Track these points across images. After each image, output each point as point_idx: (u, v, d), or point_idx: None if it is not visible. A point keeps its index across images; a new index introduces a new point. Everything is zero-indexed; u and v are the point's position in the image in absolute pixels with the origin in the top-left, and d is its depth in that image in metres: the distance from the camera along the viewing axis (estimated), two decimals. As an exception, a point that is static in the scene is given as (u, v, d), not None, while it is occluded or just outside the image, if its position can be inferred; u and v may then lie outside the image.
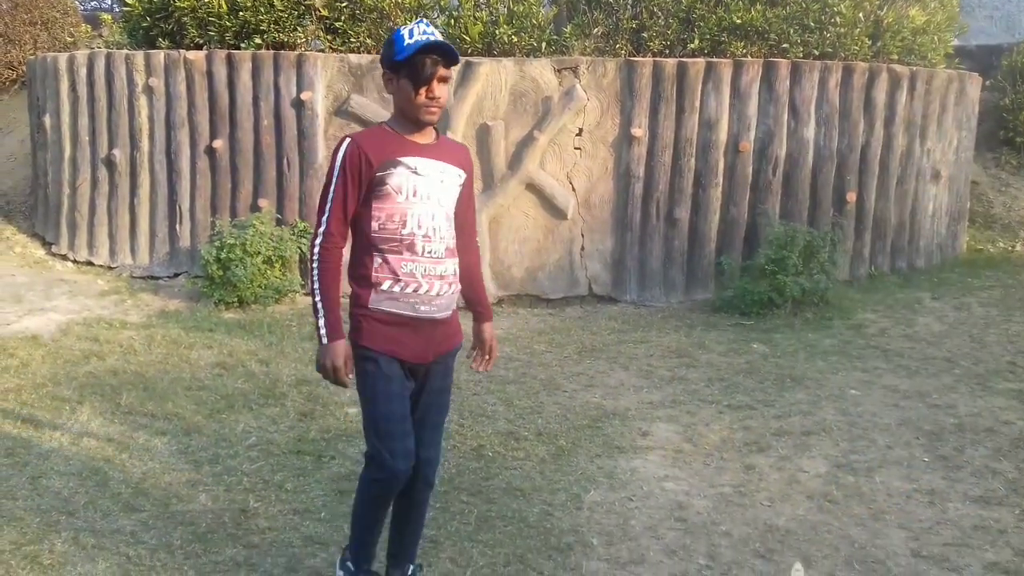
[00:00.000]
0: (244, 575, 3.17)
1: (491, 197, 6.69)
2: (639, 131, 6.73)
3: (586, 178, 6.83)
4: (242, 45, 7.13)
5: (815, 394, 4.99)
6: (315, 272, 2.67)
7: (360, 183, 2.63)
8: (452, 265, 2.75)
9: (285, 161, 6.86)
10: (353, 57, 6.77)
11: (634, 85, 6.71)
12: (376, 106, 6.68)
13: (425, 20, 2.76)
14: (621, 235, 6.90)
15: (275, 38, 7.09)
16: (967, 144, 8.36)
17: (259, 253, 6.37)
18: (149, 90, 7.08)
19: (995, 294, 7.16)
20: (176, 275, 7.13)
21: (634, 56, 7.06)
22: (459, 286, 2.82)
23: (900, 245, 7.62)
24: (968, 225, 8.85)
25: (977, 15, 12.38)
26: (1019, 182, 9.80)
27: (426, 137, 2.73)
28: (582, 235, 6.88)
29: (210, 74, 6.95)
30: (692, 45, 7.06)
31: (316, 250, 2.67)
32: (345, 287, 2.69)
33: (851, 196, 7.10)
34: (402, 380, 2.74)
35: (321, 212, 2.66)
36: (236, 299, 6.39)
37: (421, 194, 2.67)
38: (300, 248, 6.69)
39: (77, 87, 7.42)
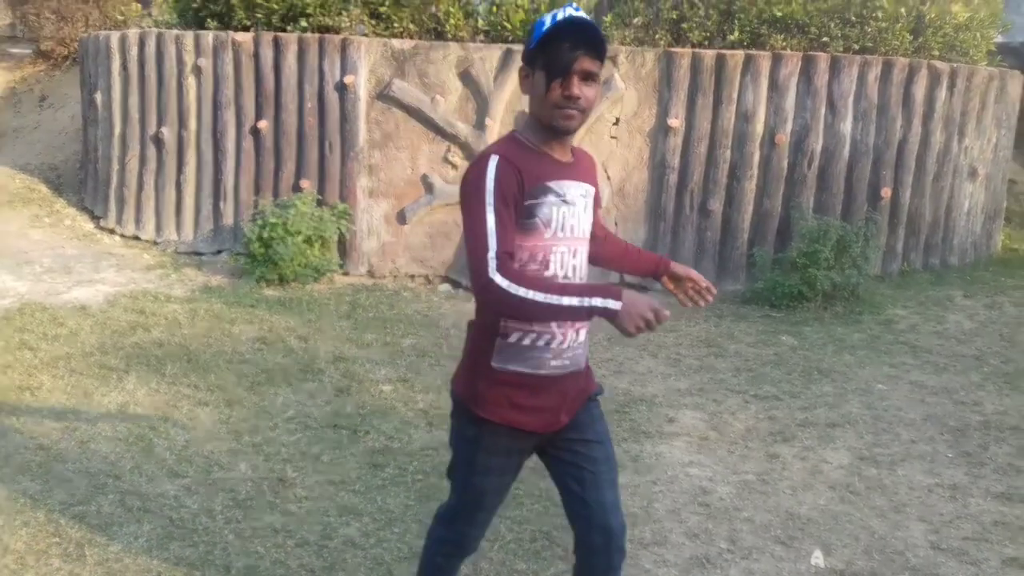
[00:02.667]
0: (281, 541, 3.32)
1: (527, 184, 6.78)
2: (676, 122, 6.77)
3: (621, 167, 6.90)
4: (288, 28, 7.27)
5: (842, 387, 5.04)
6: (526, 296, 2.00)
7: (513, 212, 2.10)
8: None
9: (327, 143, 7.00)
10: (396, 42, 6.88)
11: (672, 76, 6.75)
12: (417, 92, 6.79)
13: (574, 3, 2.24)
14: (654, 225, 6.96)
15: (320, 22, 7.22)
16: (1006, 142, 8.29)
17: (300, 232, 6.52)
18: (198, 70, 7.25)
19: (1029, 294, 7.13)
20: (219, 252, 7.32)
21: (673, 47, 7.09)
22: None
23: (934, 242, 7.60)
24: (1004, 224, 8.79)
25: (1022, 11, 12.18)
26: (1060, 182, 9.70)
27: (566, 152, 2.24)
28: (616, 224, 6.96)
29: (257, 56, 7.10)
30: (731, 37, 7.08)
31: (500, 282, 2.00)
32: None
33: (886, 192, 7.10)
34: (510, 464, 2.37)
35: (480, 243, 2.03)
36: (277, 276, 6.55)
37: (567, 227, 2.20)
38: (339, 229, 6.84)
39: (128, 65, 7.60)
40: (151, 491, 3.63)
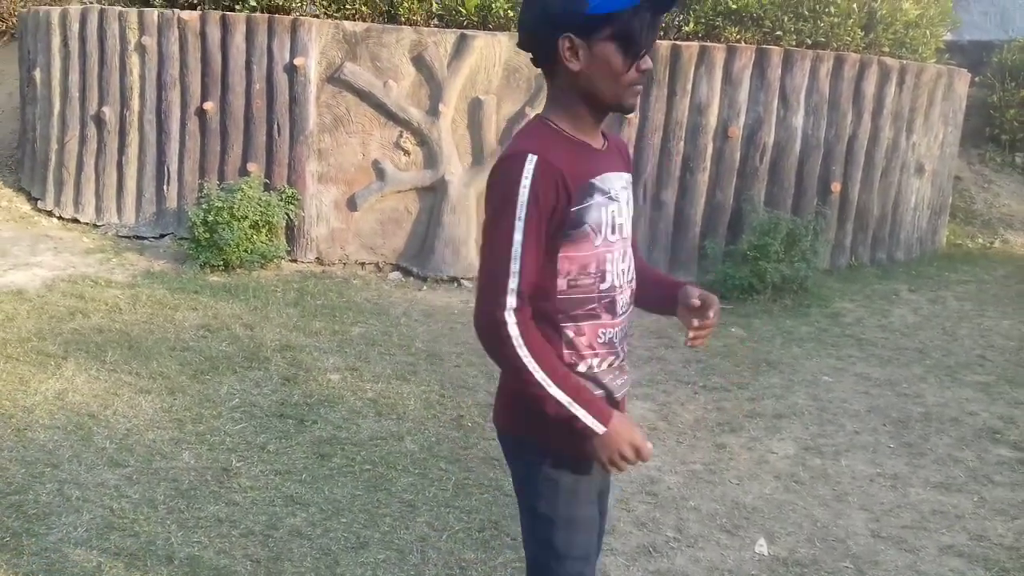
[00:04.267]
0: (226, 531, 3.25)
1: (480, 172, 6.73)
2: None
3: (575, 157, 6.87)
4: (236, 7, 7.11)
5: (789, 379, 5.10)
6: (525, 359, 1.76)
7: (550, 222, 1.78)
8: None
9: (276, 126, 6.87)
10: (348, 24, 6.77)
11: (627, 66, 6.74)
12: (369, 75, 6.69)
13: None
14: (607, 215, 6.96)
15: (270, 1, 7.08)
16: (952, 139, 8.46)
17: (246, 217, 6.39)
18: (141, 48, 7.06)
19: (970, 289, 7.29)
20: (162, 236, 7.15)
21: (628, 37, 7.08)
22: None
23: (881, 236, 7.73)
24: (949, 220, 8.97)
25: (972, 10, 12.44)
26: (1002, 179, 9.93)
27: (599, 137, 1.91)
28: (568, 213, 6.94)
29: (203, 35, 6.93)
30: (687, 28, 7.10)
31: (510, 328, 1.75)
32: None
33: (836, 186, 7.20)
34: (596, 493, 2.02)
35: (500, 265, 1.75)
36: (222, 262, 6.42)
37: (617, 227, 1.89)
38: (287, 214, 6.72)
39: (69, 42, 7.37)
40: (90, 480, 3.54)
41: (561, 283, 1.83)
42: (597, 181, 1.83)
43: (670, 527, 3.48)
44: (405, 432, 4.13)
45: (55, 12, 7.46)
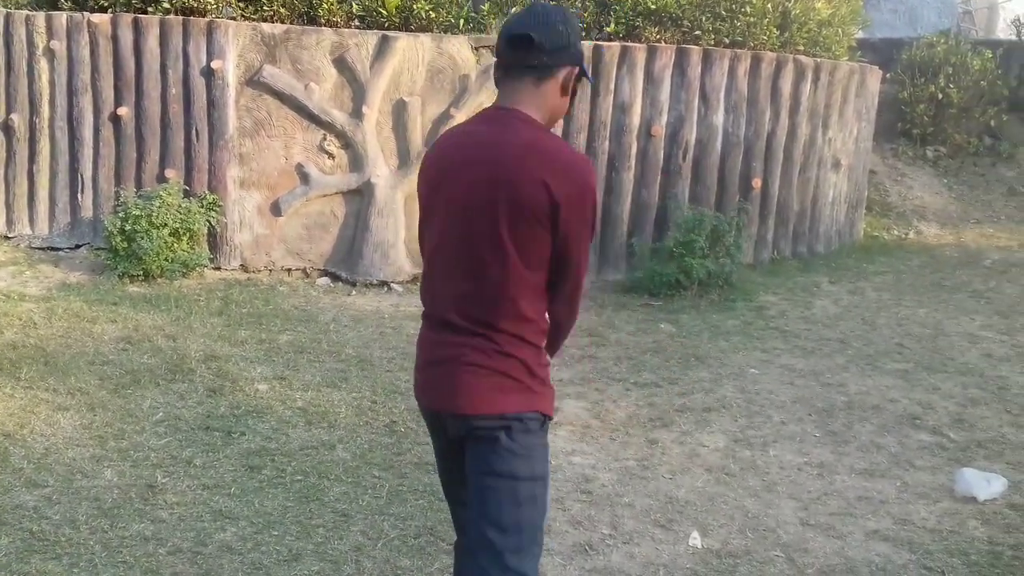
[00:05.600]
0: (152, 550, 3.15)
1: (407, 174, 6.68)
2: (554, 112, 6.80)
3: (501, 157, 6.87)
4: (149, 9, 6.91)
5: (717, 372, 5.19)
6: None
7: None
8: None
9: (194, 131, 6.70)
10: (266, 26, 6.64)
11: (550, 66, 6.77)
12: (290, 78, 6.58)
13: None
14: (535, 215, 6.97)
15: (184, 3, 6.90)
16: (866, 135, 8.73)
17: (166, 225, 6.22)
18: (50, 53, 6.81)
19: (888, 279, 7.54)
20: (78, 247, 6.91)
21: (551, 37, 7.11)
22: None
23: (801, 231, 7.93)
24: (865, 213, 9.26)
25: (883, 8, 12.87)
26: (915, 172, 10.30)
27: None
28: (496, 214, 6.93)
29: (115, 38, 6.71)
30: (608, 29, 7.17)
31: None
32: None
33: (756, 182, 7.35)
34: None
35: (588, 265, 2.16)
36: (141, 272, 6.23)
37: None
38: (208, 221, 6.56)
39: (-28, 47, 7.07)
40: (8, 503, 3.39)
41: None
42: None
43: (605, 524, 3.50)
44: (337, 440, 4.07)
45: (-44, 16, 7.14)
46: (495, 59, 2.15)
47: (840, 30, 8.18)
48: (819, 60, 7.66)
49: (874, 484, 3.93)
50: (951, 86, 10.12)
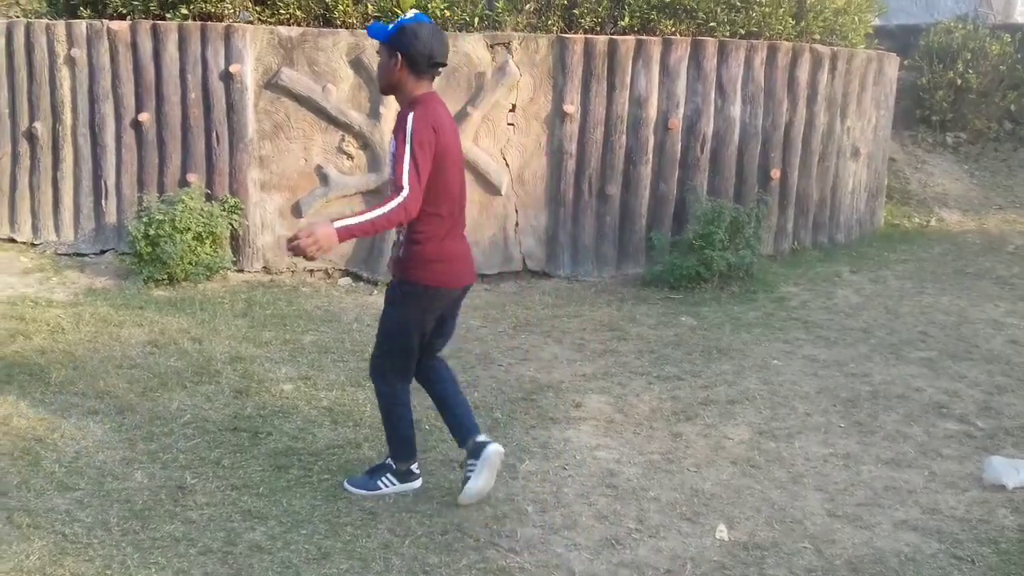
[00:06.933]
0: (183, 550, 3.19)
1: (425, 173, 6.70)
2: (571, 108, 6.81)
3: (519, 154, 6.90)
4: (167, 16, 6.98)
5: (739, 364, 5.18)
6: None
7: None
8: None
9: (214, 135, 6.76)
10: (283, 29, 6.68)
11: (566, 62, 6.78)
12: (307, 80, 6.62)
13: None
14: (554, 211, 6.99)
15: (202, 8, 6.96)
16: (885, 122, 8.67)
17: (189, 229, 6.28)
18: (71, 61, 6.89)
19: (909, 267, 7.49)
20: (103, 252, 6.99)
21: (565, 33, 7.12)
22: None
23: (821, 220, 7.89)
24: (886, 201, 9.20)
25: (898, -6, 12.76)
26: (934, 159, 10.21)
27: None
28: (516, 211, 6.96)
29: (134, 45, 6.78)
30: (622, 23, 7.16)
31: None
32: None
33: (775, 173, 7.32)
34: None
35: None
36: (166, 276, 6.30)
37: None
38: (231, 224, 6.62)
39: (-6, 57, 7.17)
40: (40, 506, 3.44)
41: None
42: None
43: (631, 518, 3.51)
44: (362, 439, 4.10)
45: (-22, 27, 7.24)
46: (437, 61, 3.29)
47: (856, 18, 8.13)
48: (836, 48, 7.61)
49: (901, 474, 3.91)
50: (970, 71, 10.03)
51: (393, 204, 3.10)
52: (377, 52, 3.40)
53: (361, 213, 3.13)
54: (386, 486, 3.61)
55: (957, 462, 4.03)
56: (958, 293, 6.73)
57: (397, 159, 3.13)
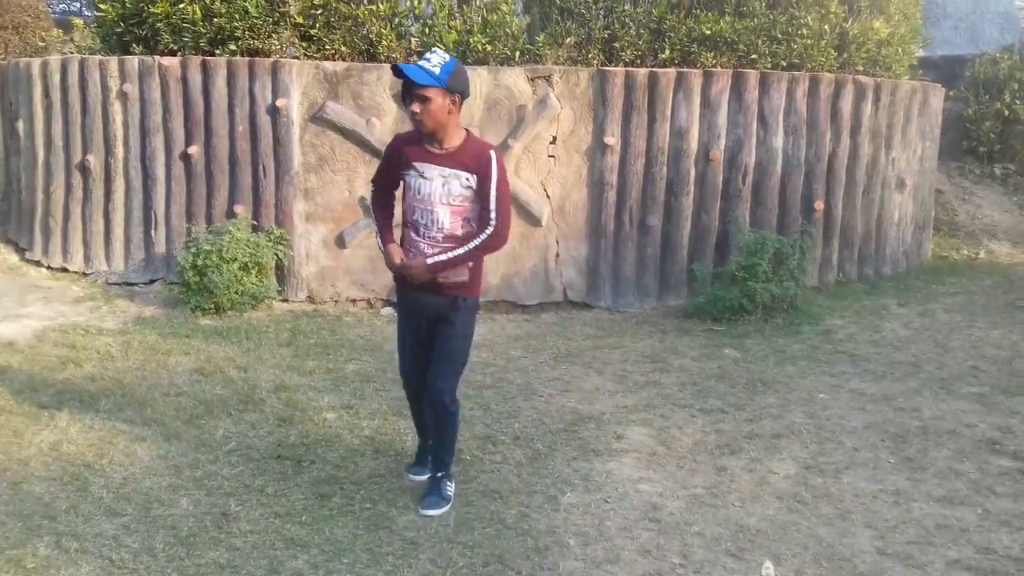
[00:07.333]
0: (227, 578, 3.21)
1: (467, 204, 6.75)
2: (612, 140, 6.83)
3: (560, 186, 6.92)
4: (216, 52, 7.15)
5: (784, 398, 5.11)
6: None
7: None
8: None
9: (261, 168, 6.89)
10: (328, 64, 6.81)
11: (606, 94, 6.81)
12: (352, 113, 6.73)
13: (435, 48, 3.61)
14: (595, 242, 6.99)
15: (250, 45, 7.12)
16: (931, 153, 8.57)
17: (235, 259, 6.38)
18: (123, 96, 7.08)
19: (959, 300, 7.35)
20: (152, 281, 7.12)
21: (606, 66, 7.17)
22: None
23: (867, 252, 7.79)
24: (933, 233, 9.06)
25: (942, 26, 12.65)
26: (982, 191, 10.05)
27: (435, 145, 3.59)
28: (557, 242, 6.97)
29: (184, 80, 6.96)
30: (663, 55, 7.18)
31: None
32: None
33: (819, 204, 7.26)
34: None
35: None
36: (213, 305, 6.40)
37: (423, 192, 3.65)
38: (276, 255, 6.72)
39: (50, 92, 7.39)
40: (88, 532, 3.49)
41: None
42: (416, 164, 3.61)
43: (675, 553, 3.46)
44: (404, 469, 4.10)
45: (36, 63, 7.48)
46: (464, 94, 3.58)
47: (900, 49, 8.07)
48: (879, 80, 7.56)
49: (953, 511, 3.82)
50: (1017, 102, 9.88)
51: (488, 235, 3.56)
52: (418, 94, 3.45)
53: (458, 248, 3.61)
54: (450, 490, 3.82)
55: (1011, 500, 3.92)
56: (1010, 327, 6.58)
57: (486, 195, 3.54)
